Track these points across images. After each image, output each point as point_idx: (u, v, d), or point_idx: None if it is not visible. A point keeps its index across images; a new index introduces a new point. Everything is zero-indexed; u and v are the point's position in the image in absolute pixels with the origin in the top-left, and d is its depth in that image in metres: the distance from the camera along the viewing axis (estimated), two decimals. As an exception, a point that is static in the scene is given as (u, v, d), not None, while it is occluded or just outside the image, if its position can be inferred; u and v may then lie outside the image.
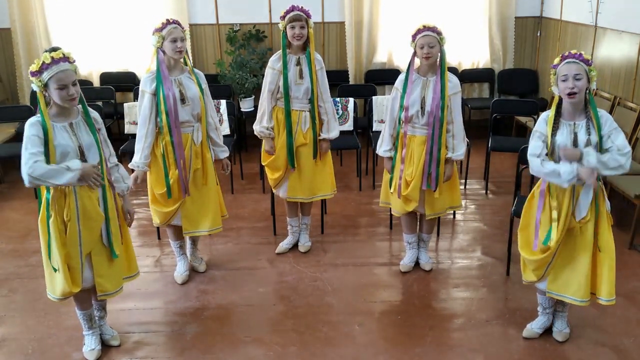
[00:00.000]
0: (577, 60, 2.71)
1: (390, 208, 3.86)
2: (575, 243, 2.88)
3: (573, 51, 2.75)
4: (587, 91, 2.76)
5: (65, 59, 2.62)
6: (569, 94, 2.70)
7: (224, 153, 3.72)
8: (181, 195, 3.53)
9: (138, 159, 3.46)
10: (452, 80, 3.48)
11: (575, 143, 2.75)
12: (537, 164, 2.80)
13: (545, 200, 2.88)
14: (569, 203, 2.82)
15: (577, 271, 2.87)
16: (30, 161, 2.56)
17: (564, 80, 2.71)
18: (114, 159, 2.96)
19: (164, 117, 3.37)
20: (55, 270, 2.76)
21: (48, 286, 2.87)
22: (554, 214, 2.84)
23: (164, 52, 3.37)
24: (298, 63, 3.70)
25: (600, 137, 2.73)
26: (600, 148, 2.73)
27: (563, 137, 2.78)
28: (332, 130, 3.86)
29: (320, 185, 3.93)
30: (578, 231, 2.85)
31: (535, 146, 2.85)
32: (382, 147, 3.68)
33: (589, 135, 2.73)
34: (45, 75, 2.57)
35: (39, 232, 2.77)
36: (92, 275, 2.86)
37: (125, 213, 3.02)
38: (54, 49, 2.61)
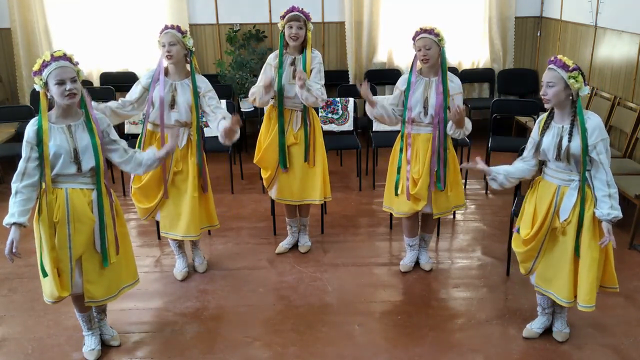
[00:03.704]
0: (554, 67, 2.73)
1: (392, 213, 3.84)
2: (557, 243, 2.91)
3: (559, 56, 2.75)
4: (574, 97, 2.75)
5: (67, 58, 2.62)
6: (542, 100, 2.79)
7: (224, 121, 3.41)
8: (157, 194, 3.56)
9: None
10: (454, 81, 3.51)
11: (559, 145, 2.78)
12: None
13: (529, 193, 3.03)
14: (551, 202, 2.86)
15: (560, 272, 2.90)
16: (17, 180, 2.63)
17: (542, 86, 2.78)
18: (130, 150, 2.92)
19: (150, 116, 3.50)
20: (45, 275, 2.72)
21: (43, 288, 2.85)
22: (530, 208, 2.94)
23: None
24: (293, 63, 3.72)
25: (586, 145, 2.72)
26: (584, 154, 2.73)
27: (549, 139, 2.83)
28: (311, 88, 3.62)
29: (310, 190, 3.91)
30: (560, 231, 2.87)
31: (525, 150, 3.03)
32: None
33: (570, 141, 2.74)
34: (45, 73, 2.58)
35: (34, 234, 2.76)
36: (82, 281, 2.82)
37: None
38: (50, 53, 2.64)
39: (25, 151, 2.63)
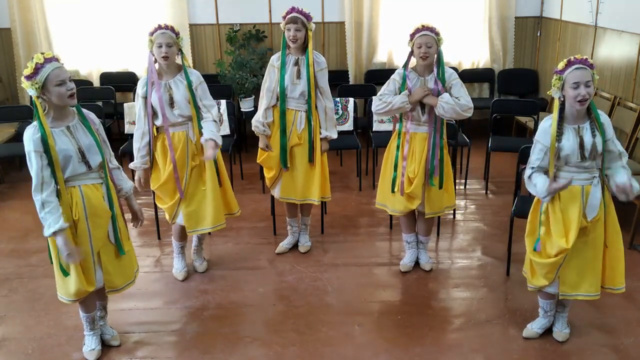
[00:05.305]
0: (586, 67, 2.71)
1: (387, 210, 3.85)
2: (585, 241, 2.88)
3: (577, 56, 2.74)
4: None
5: (56, 59, 2.63)
6: (581, 101, 2.70)
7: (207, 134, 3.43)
8: (176, 191, 3.56)
9: (135, 159, 3.57)
10: (448, 71, 3.51)
11: (582, 146, 2.76)
12: (526, 175, 2.93)
13: (553, 204, 2.89)
14: (580, 204, 2.82)
15: (590, 268, 2.89)
16: (37, 191, 2.62)
17: (575, 88, 2.69)
18: (115, 161, 2.97)
19: (155, 120, 3.49)
20: (66, 274, 2.75)
21: (60, 289, 2.86)
22: (557, 218, 2.85)
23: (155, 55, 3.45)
24: (296, 63, 3.72)
25: (604, 141, 2.76)
26: (604, 148, 2.76)
27: (570, 142, 2.77)
28: (332, 130, 3.89)
29: (310, 191, 3.91)
30: (590, 230, 2.86)
31: (534, 159, 2.89)
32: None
33: (594, 137, 2.75)
34: (42, 75, 2.56)
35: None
36: (102, 274, 2.87)
37: (136, 212, 3.07)
38: (41, 54, 2.62)
39: (36, 161, 2.60)
